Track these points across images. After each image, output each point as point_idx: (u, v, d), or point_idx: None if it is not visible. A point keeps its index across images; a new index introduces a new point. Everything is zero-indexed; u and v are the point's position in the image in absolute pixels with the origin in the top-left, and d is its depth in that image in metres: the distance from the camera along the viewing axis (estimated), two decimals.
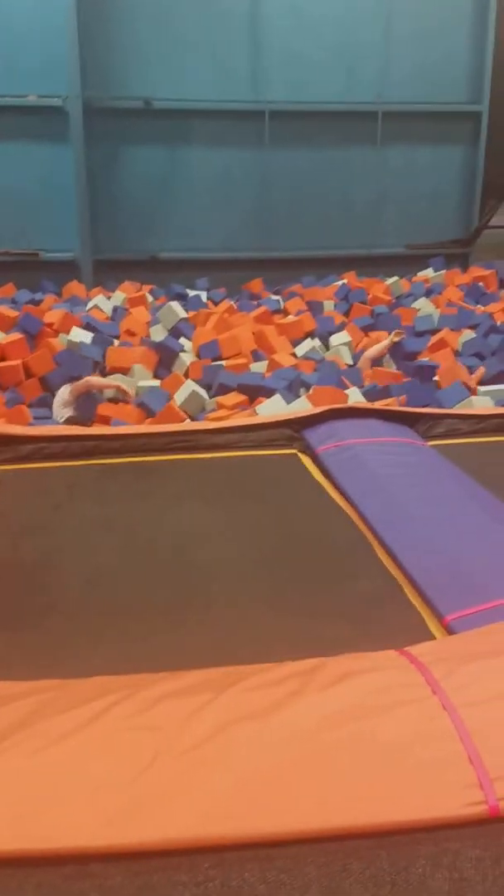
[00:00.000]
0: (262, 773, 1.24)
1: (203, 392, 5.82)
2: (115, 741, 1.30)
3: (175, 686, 1.45)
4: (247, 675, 1.48)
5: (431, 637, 1.98)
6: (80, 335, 6.80)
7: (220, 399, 5.63)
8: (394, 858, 1.17)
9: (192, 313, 7.75)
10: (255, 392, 5.66)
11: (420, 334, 7.28)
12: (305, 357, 6.75)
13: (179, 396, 5.76)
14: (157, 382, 6.19)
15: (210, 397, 5.81)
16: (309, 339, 7.15)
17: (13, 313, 7.23)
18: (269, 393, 5.49)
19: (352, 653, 1.63)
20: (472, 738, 1.33)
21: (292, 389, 5.68)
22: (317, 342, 7.16)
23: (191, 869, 1.14)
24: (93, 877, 1.13)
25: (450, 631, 1.99)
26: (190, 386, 5.80)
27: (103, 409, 5.56)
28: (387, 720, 1.36)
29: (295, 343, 7.10)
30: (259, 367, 6.37)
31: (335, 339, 7.15)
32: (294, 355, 6.78)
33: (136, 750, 1.28)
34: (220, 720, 1.33)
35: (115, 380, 6.01)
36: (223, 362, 6.42)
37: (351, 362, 6.66)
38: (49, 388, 6.27)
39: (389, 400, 5.36)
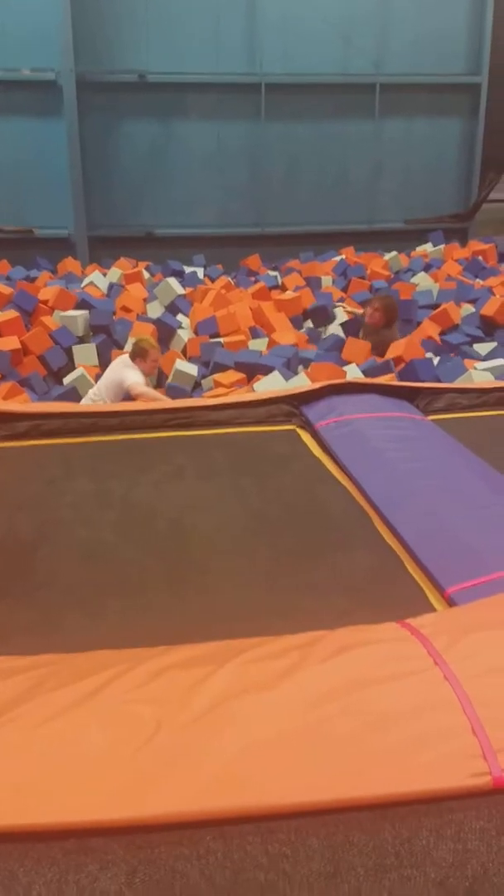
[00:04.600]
0: (264, 746, 1.23)
1: (189, 370, 5.76)
2: (116, 714, 1.29)
3: (175, 659, 1.44)
4: (248, 647, 1.47)
5: (432, 609, 1.97)
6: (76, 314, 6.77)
7: (217, 377, 5.59)
8: (397, 830, 1.16)
9: (189, 290, 7.70)
10: (253, 370, 5.61)
11: (419, 308, 7.23)
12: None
13: (170, 376, 5.74)
14: None
15: (207, 375, 5.77)
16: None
17: (7, 290, 7.17)
18: (266, 370, 5.44)
19: (352, 625, 1.61)
20: (474, 709, 1.32)
21: (290, 367, 5.63)
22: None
23: (193, 842, 1.13)
24: (94, 851, 1.12)
25: (451, 603, 1.98)
26: (175, 365, 5.75)
27: None
28: (388, 691, 1.34)
29: (293, 319, 7.05)
30: (257, 344, 6.32)
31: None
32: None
33: (138, 723, 1.26)
34: (221, 692, 1.32)
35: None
36: (221, 339, 6.37)
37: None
38: (48, 367, 6.24)
39: (389, 375, 5.33)
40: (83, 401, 5.36)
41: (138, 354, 5.34)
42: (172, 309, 7.22)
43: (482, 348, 6.18)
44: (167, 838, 1.13)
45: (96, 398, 5.22)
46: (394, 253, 9.59)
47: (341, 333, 6.50)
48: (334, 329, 6.75)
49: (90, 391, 5.44)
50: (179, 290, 7.51)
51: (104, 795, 1.17)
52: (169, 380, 5.67)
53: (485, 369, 5.39)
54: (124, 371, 5.23)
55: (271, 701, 1.31)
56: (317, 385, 3.78)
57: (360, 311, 6.71)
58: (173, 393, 5.42)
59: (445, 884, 1.10)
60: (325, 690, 1.33)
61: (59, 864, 1.10)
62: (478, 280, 8.31)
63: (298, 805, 1.17)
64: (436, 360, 5.71)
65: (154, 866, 1.10)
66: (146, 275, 8.40)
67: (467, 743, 1.27)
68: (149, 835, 1.13)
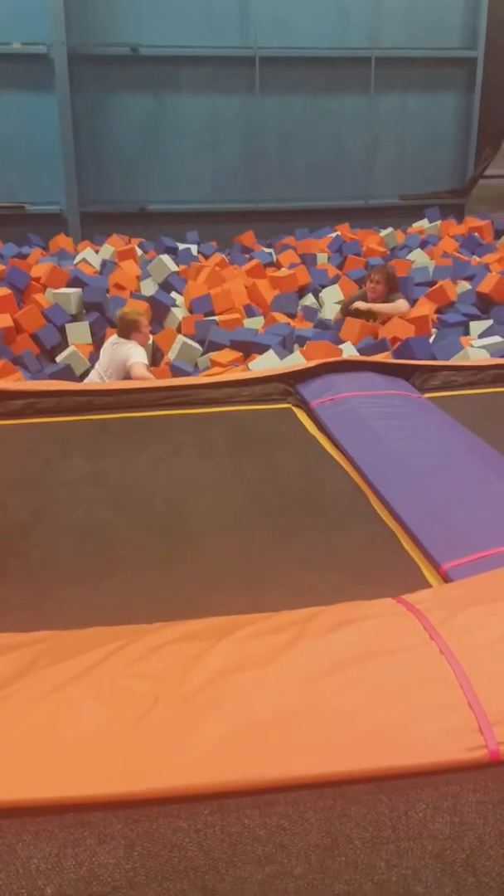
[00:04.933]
0: (261, 720, 1.23)
1: (195, 343, 5.75)
2: (113, 689, 1.29)
3: (173, 635, 1.44)
4: (245, 623, 1.47)
5: (428, 585, 1.97)
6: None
7: (214, 356, 5.56)
8: (394, 803, 1.17)
9: (182, 267, 7.64)
10: (248, 348, 5.58)
11: (416, 286, 7.20)
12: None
13: (172, 352, 5.70)
14: (150, 338, 6.12)
15: (202, 354, 5.75)
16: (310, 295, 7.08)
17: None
18: (261, 349, 5.42)
19: (349, 601, 1.61)
20: (471, 683, 1.32)
21: (286, 345, 5.61)
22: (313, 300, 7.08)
23: (190, 816, 1.13)
24: (92, 825, 1.12)
25: (446, 579, 1.99)
26: (180, 339, 5.73)
27: None
28: (385, 665, 1.35)
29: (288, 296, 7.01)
30: (253, 322, 6.29)
31: (327, 296, 7.05)
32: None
33: (136, 698, 1.26)
34: (218, 667, 1.32)
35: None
36: (216, 317, 6.34)
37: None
38: (41, 345, 6.20)
39: (384, 354, 5.31)
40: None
41: (132, 328, 5.19)
42: (166, 286, 7.17)
43: (478, 326, 6.16)
44: (165, 812, 1.13)
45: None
46: (389, 229, 9.53)
47: (329, 315, 6.47)
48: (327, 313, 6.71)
49: (92, 376, 5.33)
50: (173, 267, 7.46)
51: (102, 770, 1.17)
52: (174, 356, 5.63)
53: (481, 347, 5.38)
54: (130, 350, 5.07)
55: (269, 676, 1.32)
56: (312, 363, 3.76)
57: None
58: (177, 372, 5.33)
59: (442, 856, 1.11)
60: (323, 665, 1.34)
61: (57, 838, 1.10)
62: (474, 257, 8.27)
63: (296, 778, 1.17)
64: (431, 337, 5.70)
65: (152, 840, 1.10)
66: (139, 251, 8.33)
67: (463, 717, 1.28)
68: (147, 808, 1.14)
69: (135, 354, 5.04)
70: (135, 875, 1.07)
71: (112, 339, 5.32)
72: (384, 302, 6.06)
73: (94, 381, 5.20)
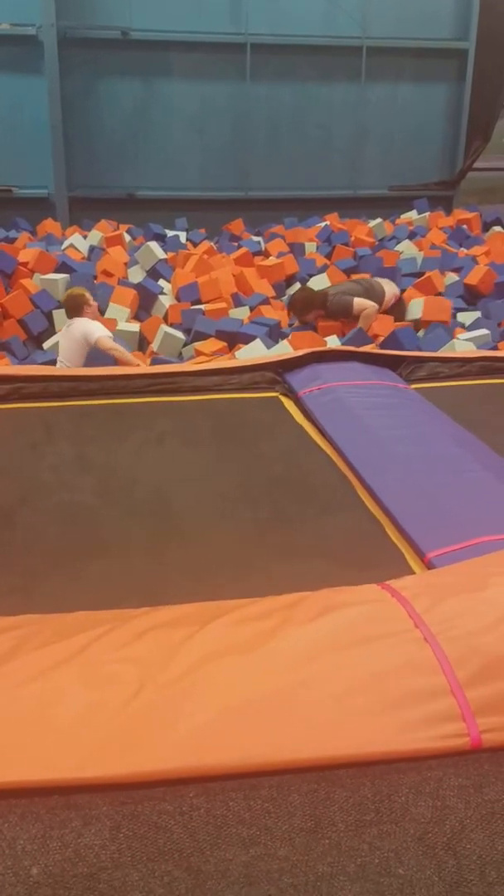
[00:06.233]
0: (246, 705, 1.24)
1: (178, 333, 5.73)
2: (99, 673, 1.29)
3: (158, 620, 1.44)
4: (230, 609, 1.48)
5: (413, 574, 1.98)
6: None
7: (198, 346, 5.55)
8: (377, 787, 1.18)
9: (170, 254, 7.61)
10: (234, 338, 5.57)
11: (403, 276, 7.21)
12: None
13: (155, 343, 5.68)
14: (137, 325, 6.11)
15: (187, 344, 5.73)
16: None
17: None
18: (247, 339, 5.41)
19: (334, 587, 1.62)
20: (454, 671, 1.34)
21: (272, 335, 5.60)
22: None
23: (176, 798, 1.14)
24: (77, 807, 1.13)
25: (431, 568, 2.00)
26: (162, 330, 5.71)
27: None
28: (369, 652, 1.36)
29: (276, 285, 7.00)
30: (239, 312, 6.27)
31: (314, 286, 7.04)
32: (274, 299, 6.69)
33: (121, 682, 1.27)
34: (203, 652, 1.33)
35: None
36: (203, 306, 6.32)
37: None
38: (28, 331, 6.17)
39: (370, 346, 5.32)
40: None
41: (81, 304, 5.18)
42: (154, 274, 7.15)
43: (465, 318, 6.18)
44: (151, 794, 1.14)
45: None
46: (378, 220, 9.53)
47: None
48: None
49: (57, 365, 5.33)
50: (161, 254, 7.43)
51: (88, 753, 1.17)
52: (156, 347, 5.62)
53: (467, 339, 5.41)
54: (86, 326, 5.05)
55: (254, 661, 1.32)
56: (300, 352, 3.77)
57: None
58: (160, 364, 5.31)
59: (424, 839, 1.12)
60: (307, 650, 1.34)
61: (43, 819, 1.11)
62: (462, 248, 8.29)
63: (281, 762, 1.18)
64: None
65: (138, 821, 1.11)
66: (127, 238, 8.29)
67: (446, 704, 1.29)
68: (132, 791, 1.15)
69: (95, 329, 5.00)
70: (120, 856, 1.08)
71: (67, 323, 5.32)
72: (328, 317, 5.97)
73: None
